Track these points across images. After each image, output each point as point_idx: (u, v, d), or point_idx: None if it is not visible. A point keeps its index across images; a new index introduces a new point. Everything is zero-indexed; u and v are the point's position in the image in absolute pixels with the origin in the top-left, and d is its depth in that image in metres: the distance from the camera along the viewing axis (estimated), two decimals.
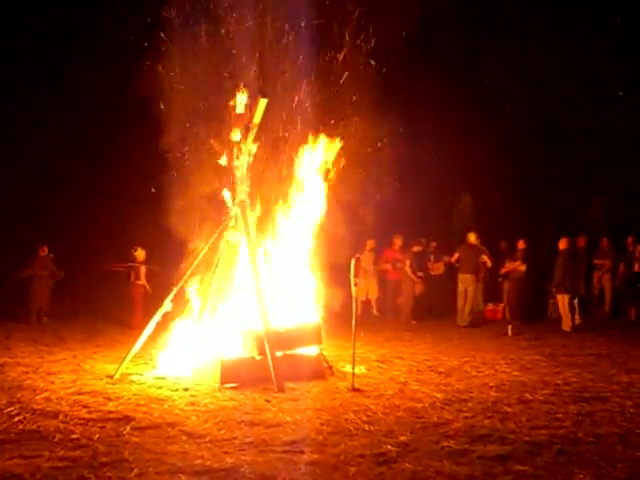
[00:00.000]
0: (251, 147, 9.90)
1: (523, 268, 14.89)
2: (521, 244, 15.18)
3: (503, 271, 15.29)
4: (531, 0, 18.57)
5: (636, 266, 14.47)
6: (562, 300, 13.79)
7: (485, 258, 15.19)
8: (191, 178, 10.68)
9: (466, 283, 14.90)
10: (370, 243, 16.42)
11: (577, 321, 14.52)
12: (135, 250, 14.70)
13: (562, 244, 14.02)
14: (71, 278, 16.19)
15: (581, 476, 5.42)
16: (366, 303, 16.37)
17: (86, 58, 17.22)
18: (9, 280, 15.38)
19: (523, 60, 18.72)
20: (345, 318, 10.15)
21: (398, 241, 16.23)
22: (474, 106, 18.48)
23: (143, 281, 14.59)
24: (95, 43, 16.97)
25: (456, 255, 15.34)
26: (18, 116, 17.85)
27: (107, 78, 16.67)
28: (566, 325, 13.58)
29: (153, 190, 12.49)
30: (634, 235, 15.72)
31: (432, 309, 16.22)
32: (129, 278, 14.66)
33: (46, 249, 15.29)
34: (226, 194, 10.12)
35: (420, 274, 15.74)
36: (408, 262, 15.62)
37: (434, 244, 16.89)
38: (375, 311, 16.54)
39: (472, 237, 15.19)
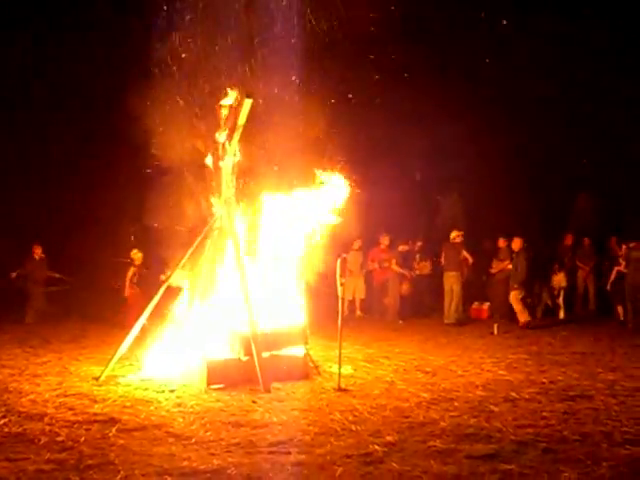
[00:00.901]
0: (236, 147, 9.89)
1: (511, 267, 14.94)
2: (502, 242, 15.31)
3: (493, 272, 15.34)
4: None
5: (622, 265, 14.50)
6: (519, 296, 14.03)
7: (466, 254, 15.25)
8: (177, 178, 10.67)
9: (451, 281, 14.93)
10: (357, 243, 16.38)
11: (561, 316, 15.11)
12: (131, 251, 14.54)
13: (516, 245, 14.29)
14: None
15: (567, 474, 5.46)
16: (351, 303, 16.37)
17: (76, 58, 17.11)
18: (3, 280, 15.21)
19: (517, 57, 18.74)
20: (331, 318, 10.15)
21: (385, 240, 16.15)
22: (465, 103, 18.49)
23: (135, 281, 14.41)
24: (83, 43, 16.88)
25: (443, 255, 15.37)
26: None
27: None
28: (523, 317, 13.85)
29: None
30: (617, 236, 15.79)
31: (419, 309, 16.23)
32: (123, 280, 14.48)
33: (39, 250, 15.07)
34: (212, 194, 10.11)
35: (407, 272, 15.79)
36: (394, 261, 15.65)
37: (420, 243, 16.88)
38: (359, 311, 16.51)
39: (453, 235, 15.24)
